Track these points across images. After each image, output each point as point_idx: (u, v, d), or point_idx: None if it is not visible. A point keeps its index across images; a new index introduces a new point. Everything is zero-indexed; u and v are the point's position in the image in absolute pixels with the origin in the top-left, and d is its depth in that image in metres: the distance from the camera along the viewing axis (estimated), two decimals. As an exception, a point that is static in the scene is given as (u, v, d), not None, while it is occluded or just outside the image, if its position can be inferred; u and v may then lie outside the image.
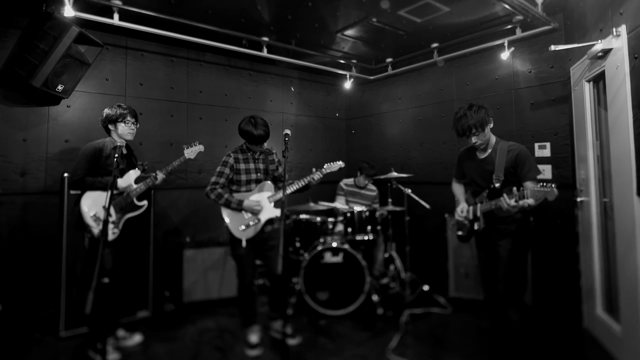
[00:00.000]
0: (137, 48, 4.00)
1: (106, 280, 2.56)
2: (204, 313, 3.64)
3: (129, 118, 2.85)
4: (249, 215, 2.92)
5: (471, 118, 2.49)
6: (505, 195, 2.40)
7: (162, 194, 4.03)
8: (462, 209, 2.78)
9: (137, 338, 3.02)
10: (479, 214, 2.66)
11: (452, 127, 2.64)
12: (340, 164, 3.16)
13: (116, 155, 2.17)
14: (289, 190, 2.92)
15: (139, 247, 3.43)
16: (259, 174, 2.99)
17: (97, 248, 2.64)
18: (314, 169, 3.03)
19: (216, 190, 2.89)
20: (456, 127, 2.59)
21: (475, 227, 2.71)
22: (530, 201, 2.29)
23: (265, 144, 3.00)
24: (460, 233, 2.89)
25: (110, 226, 2.73)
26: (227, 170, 2.92)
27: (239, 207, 2.87)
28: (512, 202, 2.36)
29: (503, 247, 2.62)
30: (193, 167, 4.28)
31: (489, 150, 2.64)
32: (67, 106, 3.59)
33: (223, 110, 4.55)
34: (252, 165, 2.98)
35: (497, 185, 2.55)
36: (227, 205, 2.89)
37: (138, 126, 2.96)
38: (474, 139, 2.56)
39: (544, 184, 2.22)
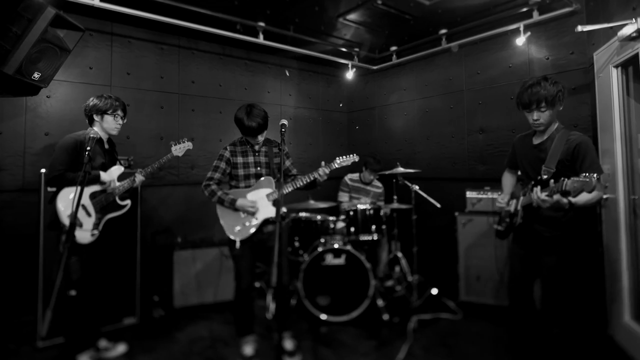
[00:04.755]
0: (124, 34, 3.72)
1: (73, 292, 2.29)
2: (196, 319, 3.38)
3: (119, 112, 2.64)
4: (245, 214, 2.66)
5: (545, 89, 2.13)
6: (538, 187, 2.05)
7: (151, 191, 3.76)
8: (503, 197, 2.49)
9: (120, 348, 2.77)
10: (518, 207, 2.33)
11: (517, 97, 2.26)
12: (354, 157, 2.78)
13: (88, 147, 1.91)
14: (292, 187, 2.66)
15: (125, 248, 3.17)
16: (259, 168, 2.72)
17: (73, 252, 2.40)
18: (322, 163, 2.69)
19: (210, 186, 2.66)
20: (522, 96, 2.21)
21: (514, 222, 2.37)
22: (566, 200, 1.92)
23: (261, 137, 2.70)
24: (498, 227, 2.56)
25: (89, 227, 2.47)
26: (222, 165, 2.67)
27: (231, 207, 2.62)
28: (543, 195, 1.99)
29: (545, 259, 2.26)
30: (185, 162, 4.01)
31: (546, 137, 2.26)
32: (47, 96, 3.32)
33: (217, 102, 4.28)
34: (251, 159, 2.72)
35: (544, 177, 2.14)
36: (220, 203, 2.65)
37: (125, 121, 2.73)
38: (536, 115, 2.18)
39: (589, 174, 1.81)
